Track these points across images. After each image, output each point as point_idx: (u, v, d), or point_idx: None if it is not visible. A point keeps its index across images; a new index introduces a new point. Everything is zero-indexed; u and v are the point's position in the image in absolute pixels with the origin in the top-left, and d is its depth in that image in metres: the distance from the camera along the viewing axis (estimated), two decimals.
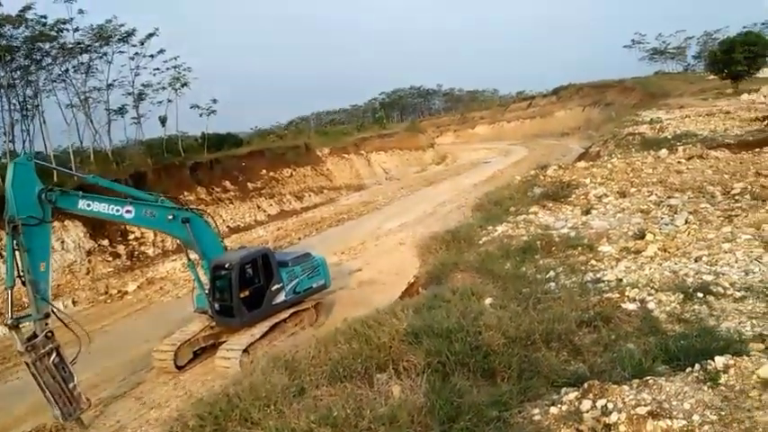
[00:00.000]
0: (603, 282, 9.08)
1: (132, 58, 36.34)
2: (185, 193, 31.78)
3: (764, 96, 38.67)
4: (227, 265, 14.07)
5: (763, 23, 75.96)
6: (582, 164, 21.31)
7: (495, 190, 20.83)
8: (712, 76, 54.23)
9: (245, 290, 14.12)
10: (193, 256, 14.66)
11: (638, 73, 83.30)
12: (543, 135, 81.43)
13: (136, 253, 27.26)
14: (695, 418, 4.59)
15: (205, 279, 14.59)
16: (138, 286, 23.33)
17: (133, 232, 27.30)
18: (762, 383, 4.86)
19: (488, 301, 8.88)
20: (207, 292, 14.40)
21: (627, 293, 8.11)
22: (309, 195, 41.09)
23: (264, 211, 35.96)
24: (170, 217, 13.27)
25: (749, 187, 13.42)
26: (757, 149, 18.99)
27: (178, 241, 16.21)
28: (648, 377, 5.34)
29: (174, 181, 32.27)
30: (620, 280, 8.97)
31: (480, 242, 13.15)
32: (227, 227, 31.93)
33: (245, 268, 14.29)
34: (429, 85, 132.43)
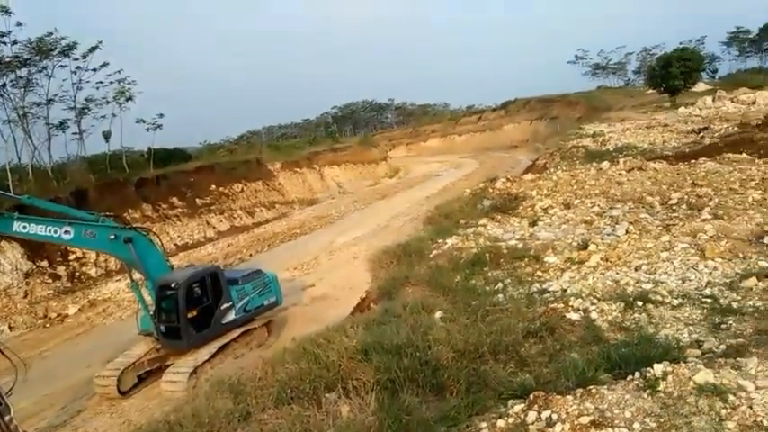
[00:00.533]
0: (549, 292, 9.28)
1: (74, 72, 35.12)
2: (130, 211, 30.71)
3: (700, 109, 40.64)
4: (173, 285, 13.62)
5: (697, 40, 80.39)
6: (529, 176, 21.83)
7: (446, 203, 21.07)
8: (651, 91, 56.74)
9: (192, 310, 13.68)
10: (137, 276, 14.16)
11: (581, 87, 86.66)
12: (493, 148, 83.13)
13: (77, 274, 26.07)
14: (636, 426, 4.69)
15: (150, 300, 14.10)
16: (80, 309, 22.31)
17: (74, 252, 26.13)
18: (698, 389, 5.02)
19: (438, 314, 8.91)
20: (152, 313, 13.90)
21: (571, 303, 8.31)
22: (261, 210, 40.45)
23: (214, 228, 35.14)
24: (112, 237, 12.78)
25: (686, 197, 14.02)
26: (693, 161, 19.92)
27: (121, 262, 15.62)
28: (591, 386, 5.44)
29: (119, 198, 31.11)
30: (565, 290, 9.18)
31: (431, 255, 13.23)
32: (175, 245, 31.01)
33: (192, 287, 13.86)
34: (381, 100, 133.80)
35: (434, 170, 66.15)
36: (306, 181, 49.88)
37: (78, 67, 35.02)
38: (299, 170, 50.11)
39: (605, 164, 20.80)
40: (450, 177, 55.06)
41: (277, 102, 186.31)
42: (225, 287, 14.60)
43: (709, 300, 7.93)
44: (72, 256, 26.09)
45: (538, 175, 22.47)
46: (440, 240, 14.33)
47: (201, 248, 31.47)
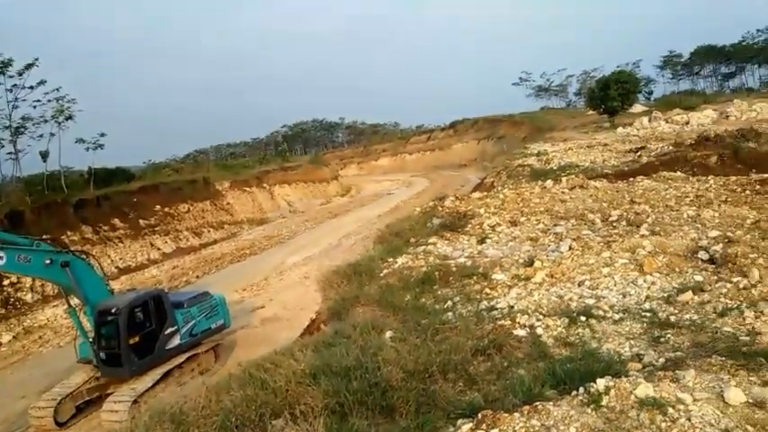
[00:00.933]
0: (497, 309, 9.40)
1: (10, 90, 33.63)
2: (69, 233, 29.41)
3: (637, 130, 42.49)
4: (113, 310, 13.06)
5: (633, 63, 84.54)
6: (477, 194, 22.22)
7: (397, 222, 21.16)
8: (591, 112, 59.06)
9: (134, 336, 13.15)
10: (76, 301, 13.53)
11: (526, 108, 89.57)
12: (443, 166, 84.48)
13: (12, 300, 24.69)
14: None
15: (89, 326, 13.48)
16: (14, 336, 21.13)
17: (8, 278, 24.74)
18: (639, 403, 5.14)
19: (389, 334, 8.86)
20: (91, 340, 13.27)
21: (518, 320, 8.43)
22: (209, 231, 39.53)
23: (159, 249, 34.04)
24: (47, 261, 12.19)
25: (625, 214, 14.55)
26: (631, 179, 20.78)
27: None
28: (538, 403, 5.49)
29: (57, 220, 29.77)
30: (512, 307, 9.33)
31: (382, 274, 13.20)
32: (117, 268, 29.86)
33: (134, 312, 13.33)
34: (332, 119, 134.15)
35: (386, 188, 66.61)
36: (255, 200, 49.18)
37: (14, 85, 33.62)
38: (248, 189, 49.39)
39: (549, 182, 21.40)
40: (401, 196, 55.48)
41: (226, 121, 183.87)
42: (169, 311, 14.12)
43: (648, 314, 8.22)
44: (6, 281, 24.73)
45: (485, 193, 22.90)
46: (390, 259, 14.33)
47: (145, 271, 30.43)
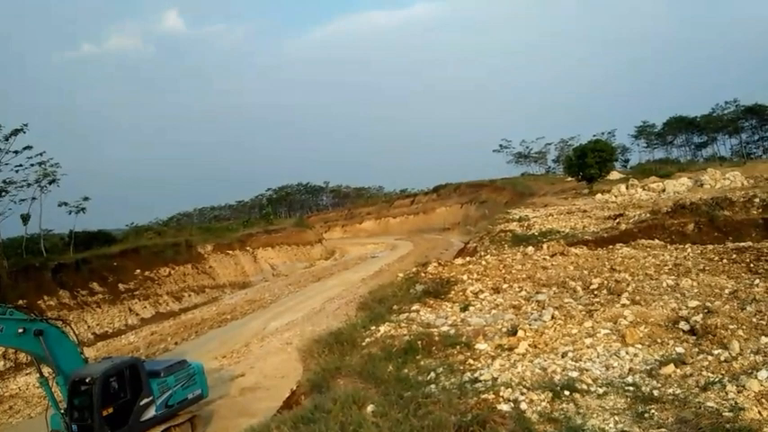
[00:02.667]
0: (480, 381, 9.27)
1: None
2: (45, 298, 28.80)
3: (615, 197, 43.47)
4: (87, 380, 12.65)
5: (609, 132, 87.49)
6: (460, 260, 22.29)
7: (380, 287, 21.07)
8: (570, 178, 60.49)
9: (108, 407, 12.68)
10: (48, 370, 13.10)
11: (506, 174, 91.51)
12: (426, 230, 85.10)
13: None
14: None
15: (61, 396, 13.00)
16: None
17: None
18: None
19: (370, 408, 8.66)
20: (63, 411, 12.76)
21: (501, 394, 8.32)
22: (189, 295, 38.92)
23: (137, 315, 33.33)
24: (20, 330, 11.88)
25: (605, 282, 14.68)
26: (611, 246, 21.09)
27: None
28: None
29: (34, 284, 29.21)
30: (496, 379, 9.21)
31: (364, 343, 13.01)
32: (94, 333, 29.11)
33: (108, 382, 12.91)
34: (316, 182, 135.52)
35: (370, 252, 66.64)
36: (238, 263, 48.81)
37: None
38: (231, 252, 49.08)
39: (531, 248, 21.62)
40: (385, 259, 55.50)
41: (210, 184, 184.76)
42: (145, 380, 13.72)
43: (631, 388, 8.17)
44: None
45: (468, 258, 23.01)
46: (373, 327, 14.17)
47: (123, 337, 29.70)
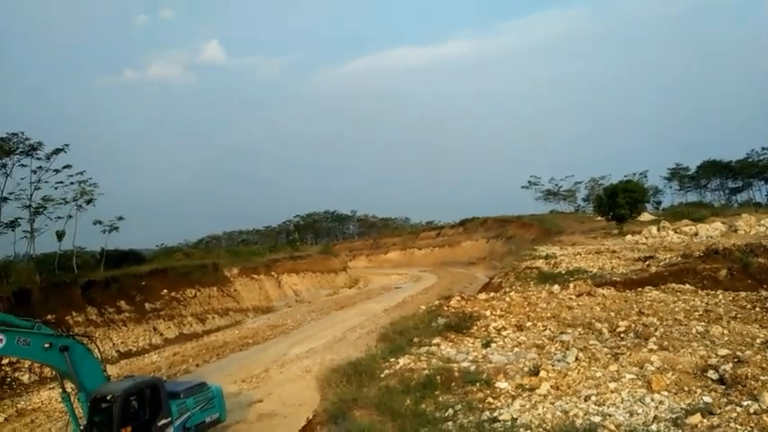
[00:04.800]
0: (500, 421, 9.11)
1: (35, 172, 34.90)
2: (74, 314, 29.36)
3: (646, 238, 42.66)
4: (108, 398, 12.80)
5: (640, 173, 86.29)
6: (483, 295, 22.10)
7: (401, 319, 20.95)
8: (599, 218, 59.66)
9: (127, 425, 12.77)
10: (71, 386, 13.30)
11: (534, 210, 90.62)
12: (451, 263, 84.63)
13: (8, 380, 24.25)
14: None
15: (81, 413, 13.15)
16: (6, 419, 20.58)
17: (8, 357, 24.51)
18: None
19: None
20: (82, 428, 12.89)
21: None
22: (213, 317, 39.23)
23: (161, 335, 33.68)
24: (46, 345, 12.14)
25: (633, 326, 14.36)
26: (639, 288, 20.67)
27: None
28: None
29: (63, 300, 29.83)
30: (515, 419, 9.05)
31: (382, 375, 12.93)
32: (118, 351, 29.47)
33: (129, 400, 13.03)
34: (344, 211, 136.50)
35: (393, 282, 66.46)
36: (263, 288, 49.13)
37: (39, 167, 34.95)
38: (256, 276, 49.50)
39: (556, 287, 21.32)
40: (408, 290, 55.26)
41: (240, 208, 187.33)
42: (165, 401, 13.80)
43: None
44: (5, 361, 24.44)
45: (493, 294, 22.79)
46: (392, 359, 14.08)
47: (145, 356, 29.99)
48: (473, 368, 12.31)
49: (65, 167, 35.85)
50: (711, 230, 41.56)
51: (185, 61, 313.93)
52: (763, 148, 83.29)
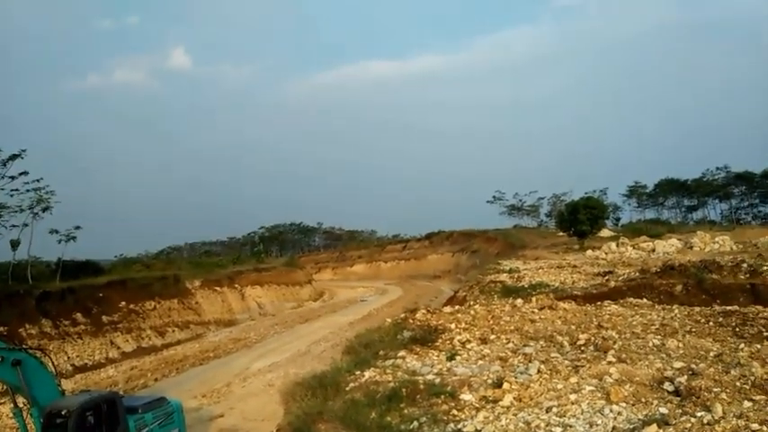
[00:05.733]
0: None
1: None
2: (27, 326, 28.26)
3: (606, 254, 43.82)
4: (63, 413, 12.34)
5: (601, 191, 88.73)
6: (448, 309, 22.27)
7: (367, 332, 20.93)
8: (561, 233, 61.01)
9: None
10: (22, 401, 12.79)
11: (498, 225, 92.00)
12: (417, 276, 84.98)
13: None
14: None
15: (34, 428, 12.66)
16: None
17: None
18: None
19: None
20: None
21: None
22: (173, 330, 38.29)
23: (119, 348, 32.68)
24: None
25: (592, 339, 14.71)
26: (599, 302, 21.19)
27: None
28: None
29: (17, 311, 28.67)
30: (479, 431, 9.14)
31: (348, 388, 12.88)
32: (73, 365, 28.46)
33: (85, 416, 12.58)
34: (309, 223, 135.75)
35: (359, 295, 66.29)
36: (225, 300, 48.31)
37: None
38: (218, 289, 48.66)
39: (519, 301, 21.69)
40: (374, 303, 55.17)
41: (203, 219, 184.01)
42: (122, 416, 13.37)
43: None
44: None
45: (458, 307, 22.98)
46: (357, 372, 14.05)
47: (102, 370, 29.03)
48: (438, 381, 12.39)
49: (21, 174, 34.68)
50: (668, 247, 42.97)
51: (150, 67, 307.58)
52: (718, 168, 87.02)
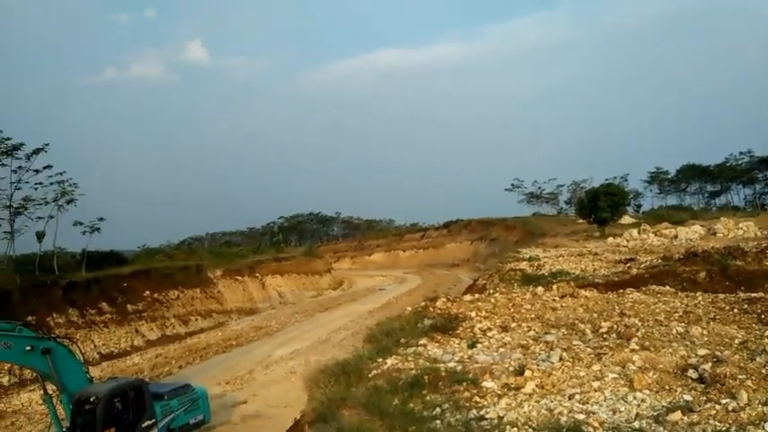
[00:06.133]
0: (486, 419, 9.22)
1: (15, 172, 34.36)
2: (55, 316, 28.99)
3: (627, 241, 43.33)
4: (92, 399, 12.72)
5: (621, 177, 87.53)
6: (468, 297, 22.22)
7: (387, 320, 20.99)
8: (581, 220, 60.38)
9: (110, 427, 12.70)
10: (52, 387, 13.18)
11: (517, 213, 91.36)
12: (436, 265, 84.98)
13: None
14: None
15: (64, 414, 13.04)
16: None
17: None
18: None
19: None
20: (65, 430, 12.79)
21: None
22: (196, 319, 38.96)
23: (143, 336, 33.38)
24: (28, 348, 12.03)
25: (615, 326, 14.58)
26: (621, 290, 20.96)
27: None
28: None
29: (44, 301, 29.42)
30: (502, 418, 9.17)
31: (370, 375, 12.97)
32: (99, 353, 29.16)
33: (113, 402, 12.96)
34: (328, 212, 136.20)
35: (378, 284, 66.57)
36: (246, 289, 48.93)
37: (20, 167, 34.44)
38: (240, 278, 49.27)
39: (540, 289, 21.54)
40: (393, 292, 55.42)
41: (223, 209, 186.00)
42: (149, 403, 13.74)
43: None
44: None
45: (477, 295, 22.93)
46: (380, 360, 14.13)
47: (127, 358, 29.73)
48: (459, 368, 12.41)
49: (45, 168, 35.41)
50: (691, 233, 42.36)
51: (168, 61, 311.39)
52: (741, 153, 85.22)
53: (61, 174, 36.29)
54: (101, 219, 40.43)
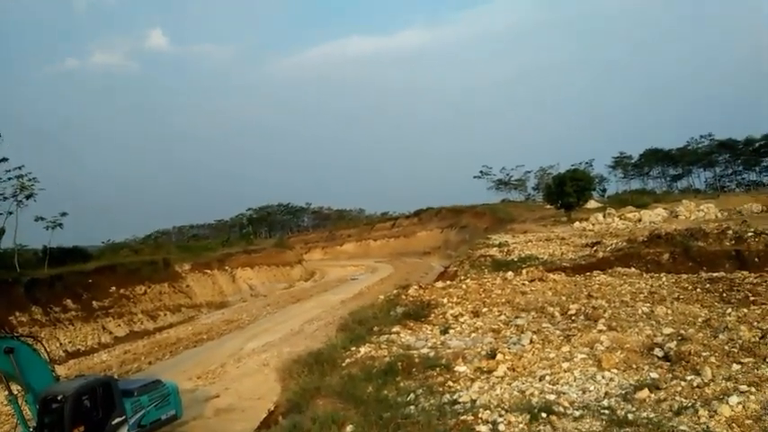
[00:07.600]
0: (460, 403, 9.34)
1: None
2: (17, 314, 28.11)
3: (593, 225, 44.22)
4: (59, 397, 12.36)
5: (587, 162, 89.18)
6: (440, 284, 22.42)
7: (360, 309, 21.03)
8: (549, 206, 61.36)
9: (79, 425, 12.38)
10: (17, 387, 12.78)
11: (486, 200, 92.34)
12: (407, 253, 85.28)
13: None
14: None
15: (30, 414, 12.68)
16: None
17: None
18: None
19: (349, 428, 8.68)
20: (32, 429, 12.44)
21: (480, 415, 8.39)
22: (165, 314, 38.27)
23: (111, 333, 32.64)
24: None
25: (582, 308, 14.91)
26: (588, 273, 21.44)
27: None
28: None
29: (6, 300, 28.48)
30: (474, 401, 9.29)
31: (344, 364, 12.99)
32: (65, 351, 28.41)
33: (81, 400, 12.63)
34: (298, 203, 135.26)
35: (350, 274, 66.51)
36: (216, 283, 48.26)
37: None
38: (209, 272, 48.55)
39: (510, 274, 21.87)
40: (365, 281, 55.42)
41: (190, 201, 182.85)
42: (118, 399, 13.44)
43: (607, 411, 8.30)
44: None
45: (449, 282, 23.13)
46: (353, 348, 14.16)
47: (95, 356, 29.03)
48: (432, 354, 12.52)
49: (1, 161, 34.20)
50: (654, 216, 43.45)
51: (129, 49, 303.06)
52: (702, 137, 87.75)
53: (19, 168, 35.17)
54: (63, 214, 39.41)
